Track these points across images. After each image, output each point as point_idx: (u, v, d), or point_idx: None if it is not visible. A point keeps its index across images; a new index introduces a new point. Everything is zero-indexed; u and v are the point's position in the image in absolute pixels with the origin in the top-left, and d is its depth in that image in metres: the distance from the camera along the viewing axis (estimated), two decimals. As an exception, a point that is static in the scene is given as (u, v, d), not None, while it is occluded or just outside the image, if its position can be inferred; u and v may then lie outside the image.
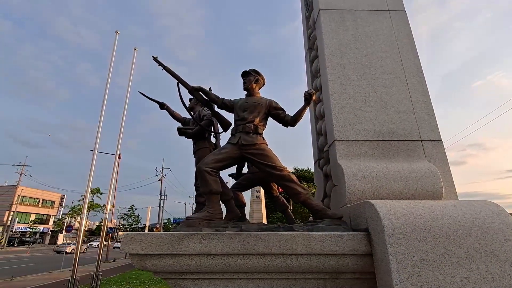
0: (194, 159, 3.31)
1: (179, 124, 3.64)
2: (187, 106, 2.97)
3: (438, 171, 2.52)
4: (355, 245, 1.90)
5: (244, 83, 2.68)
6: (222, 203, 3.24)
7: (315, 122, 3.61)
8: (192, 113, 3.51)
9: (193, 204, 50.72)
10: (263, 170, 2.37)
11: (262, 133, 2.48)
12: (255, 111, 2.51)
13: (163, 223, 32.94)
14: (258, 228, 2.10)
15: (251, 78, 2.67)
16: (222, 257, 1.90)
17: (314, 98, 2.51)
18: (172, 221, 44.77)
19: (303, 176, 25.73)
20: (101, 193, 17.22)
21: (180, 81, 2.82)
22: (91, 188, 18.54)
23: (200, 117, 3.19)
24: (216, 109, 2.91)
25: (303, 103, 2.55)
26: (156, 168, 33.13)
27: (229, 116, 2.99)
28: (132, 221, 32.93)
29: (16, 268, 14.87)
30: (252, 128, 2.43)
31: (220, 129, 3.39)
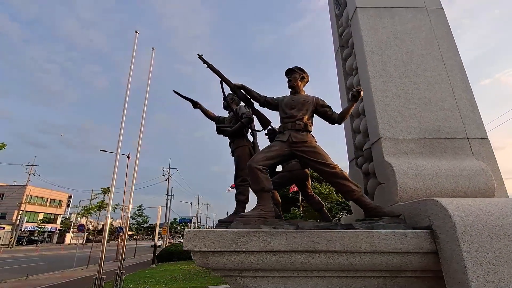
0: (233, 158, 3.31)
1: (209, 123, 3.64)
2: (229, 103, 2.96)
3: (489, 169, 2.48)
4: (420, 243, 1.87)
5: (289, 80, 2.67)
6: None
7: (350, 120, 3.59)
8: (228, 111, 3.51)
9: (198, 204, 50.89)
10: (314, 168, 2.35)
11: (311, 131, 2.47)
12: (303, 108, 2.50)
13: (168, 222, 33.00)
14: (314, 226, 2.08)
15: (296, 75, 2.65)
16: (285, 255, 1.88)
17: (362, 95, 2.49)
18: (178, 220, 44.92)
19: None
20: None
21: (223, 78, 2.82)
22: (101, 188, 18.70)
23: (238, 115, 3.18)
24: (257, 107, 2.91)
25: (350, 100, 2.54)
26: (163, 168, 33.29)
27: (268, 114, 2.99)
28: (141, 221, 33.10)
29: (29, 267, 15.02)
30: (302, 125, 2.42)
31: (257, 127, 3.38)
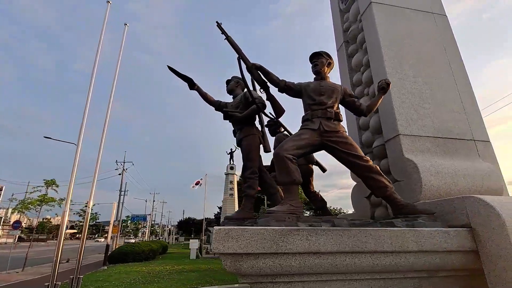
0: (239, 148, 2.98)
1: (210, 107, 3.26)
2: (247, 83, 2.63)
3: (498, 170, 2.58)
4: (461, 241, 1.81)
5: (316, 65, 2.45)
6: (268, 196, 2.97)
7: (356, 117, 3.51)
8: (233, 96, 3.16)
9: (153, 201, 48.01)
10: (345, 160, 2.17)
11: (342, 120, 2.29)
12: (332, 96, 2.31)
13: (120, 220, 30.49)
14: (349, 224, 1.89)
15: (323, 60, 2.45)
16: (329, 256, 1.66)
17: (390, 87, 2.40)
18: (131, 219, 41.66)
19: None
20: (57, 185, 15.05)
21: (241, 55, 2.50)
22: (44, 180, 16.28)
23: (248, 101, 2.86)
24: (275, 93, 2.64)
25: (378, 92, 2.44)
26: (116, 161, 30.67)
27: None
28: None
29: None
30: (333, 113, 2.23)
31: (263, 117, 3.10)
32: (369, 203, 3.09)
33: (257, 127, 2.90)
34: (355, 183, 3.46)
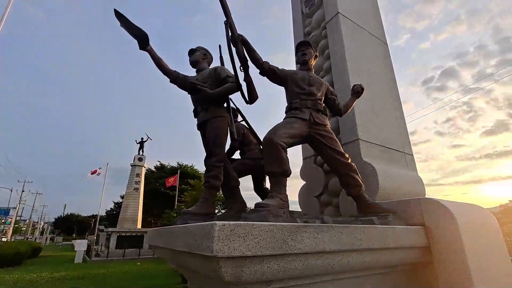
0: (199, 131, 2.55)
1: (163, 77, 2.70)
2: (232, 56, 2.25)
3: (422, 179, 3.10)
4: (419, 238, 2.03)
5: (304, 54, 2.35)
6: (228, 189, 2.65)
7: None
8: (197, 70, 2.71)
9: (22, 191, 38.08)
10: (327, 155, 2.13)
11: (328, 116, 2.25)
12: (321, 88, 2.26)
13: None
14: (333, 221, 1.84)
15: (311, 51, 2.38)
16: (329, 256, 1.54)
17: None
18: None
19: (186, 172, 24.68)
20: None
21: (230, 20, 2.14)
22: None
23: (219, 78, 2.49)
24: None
25: (352, 96, 2.55)
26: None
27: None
28: None
29: None
30: (322, 106, 2.17)
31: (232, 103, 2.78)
32: (319, 203, 3.20)
33: (226, 109, 2.56)
34: (304, 182, 3.54)
